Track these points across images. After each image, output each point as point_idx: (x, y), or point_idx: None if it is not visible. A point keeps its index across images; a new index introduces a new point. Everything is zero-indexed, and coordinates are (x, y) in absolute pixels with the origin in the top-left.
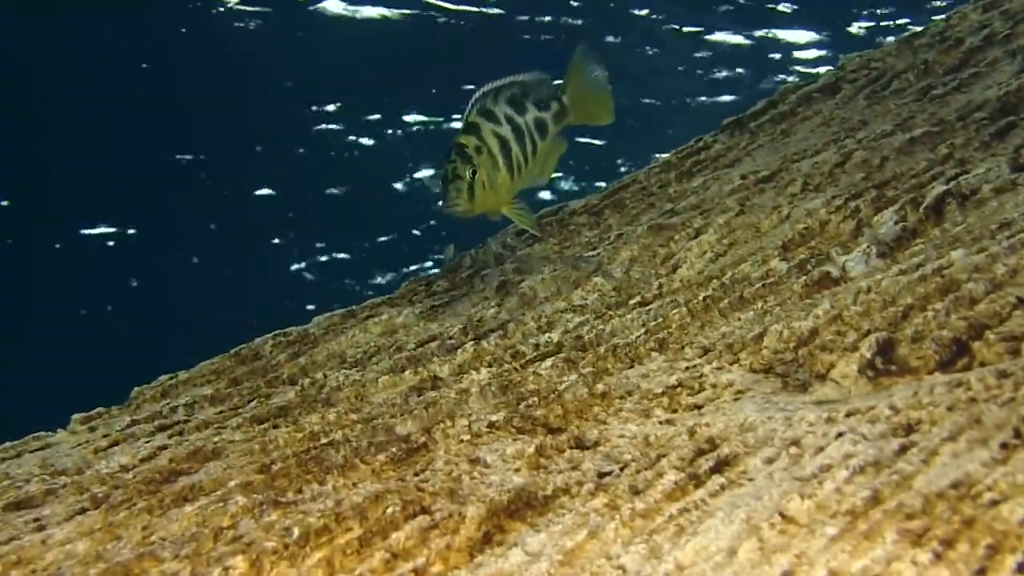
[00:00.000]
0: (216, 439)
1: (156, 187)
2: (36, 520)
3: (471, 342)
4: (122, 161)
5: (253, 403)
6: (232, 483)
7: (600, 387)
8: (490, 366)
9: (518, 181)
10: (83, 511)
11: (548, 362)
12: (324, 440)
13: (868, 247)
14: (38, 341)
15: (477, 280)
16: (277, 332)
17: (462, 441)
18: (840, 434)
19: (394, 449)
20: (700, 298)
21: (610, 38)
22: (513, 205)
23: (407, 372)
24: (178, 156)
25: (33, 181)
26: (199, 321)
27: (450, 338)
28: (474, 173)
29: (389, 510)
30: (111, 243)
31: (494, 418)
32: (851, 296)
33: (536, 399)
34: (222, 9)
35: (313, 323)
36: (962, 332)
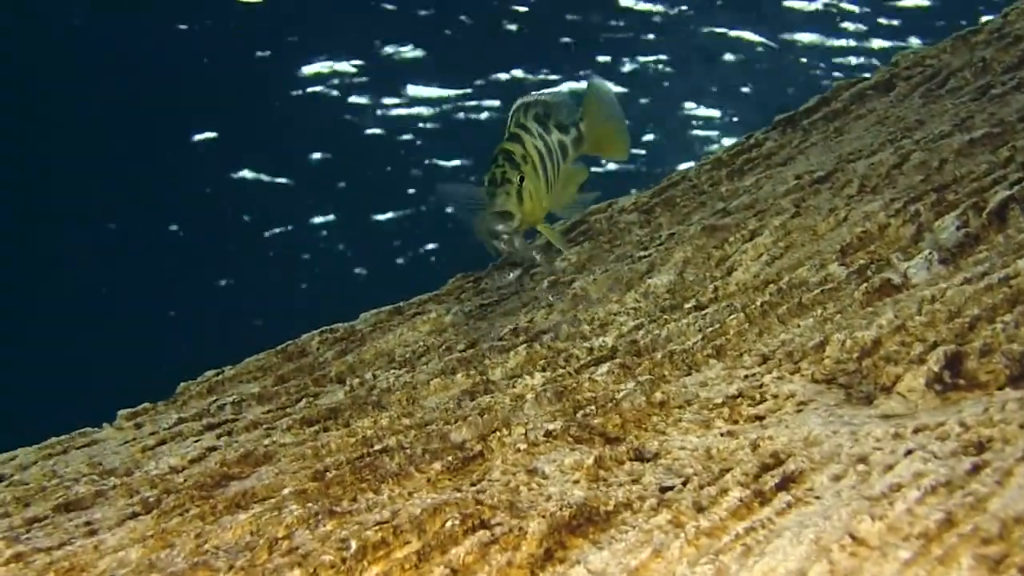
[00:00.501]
0: (267, 442)
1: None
2: (87, 524)
3: (523, 345)
4: (127, 160)
5: (302, 403)
6: (286, 490)
7: (658, 396)
8: (544, 370)
9: (548, 197)
10: (134, 515)
11: (603, 368)
12: (377, 446)
13: (930, 253)
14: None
15: (527, 278)
16: (324, 328)
17: (519, 450)
18: (909, 451)
19: (450, 457)
20: (757, 303)
21: None
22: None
23: (459, 375)
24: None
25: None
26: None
27: (501, 339)
28: (522, 179)
29: (448, 523)
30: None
31: (551, 427)
32: (915, 305)
33: (593, 407)
34: None
35: (360, 319)
36: None
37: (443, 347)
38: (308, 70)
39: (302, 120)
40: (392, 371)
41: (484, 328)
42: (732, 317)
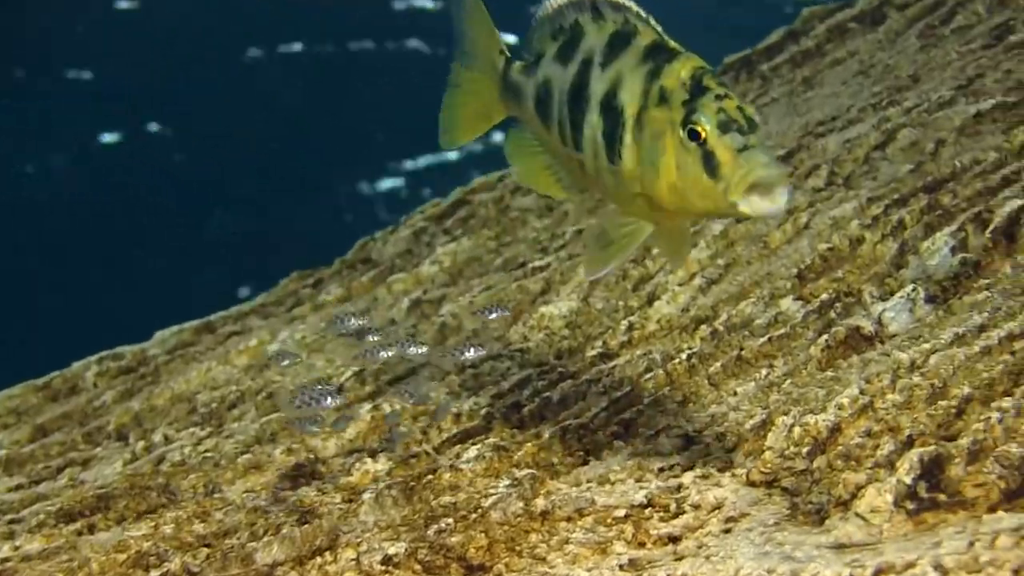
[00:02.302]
0: (5, 549)
1: None
2: None
3: (368, 403)
4: None
5: (63, 478)
6: None
7: (540, 502)
8: (392, 448)
9: None
10: None
11: (472, 451)
12: (155, 571)
13: (914, 289)
14: None
15: (383, 290)
16: (104, 354)
17: None
18: None
19: None
20: (684, 356)
21: None
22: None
23: (279, 449)
24: None
25: None
26: None
27: (340, 389)
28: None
29: None
30: None
31: (392, 550)
32: (889, 374)
33: (451, 519)
34: None
35: (155, 340)
36: None
37: (262, 393)
38: None
39: None
40: (191, 430)
41: (320, 366)
42: (649, 376)
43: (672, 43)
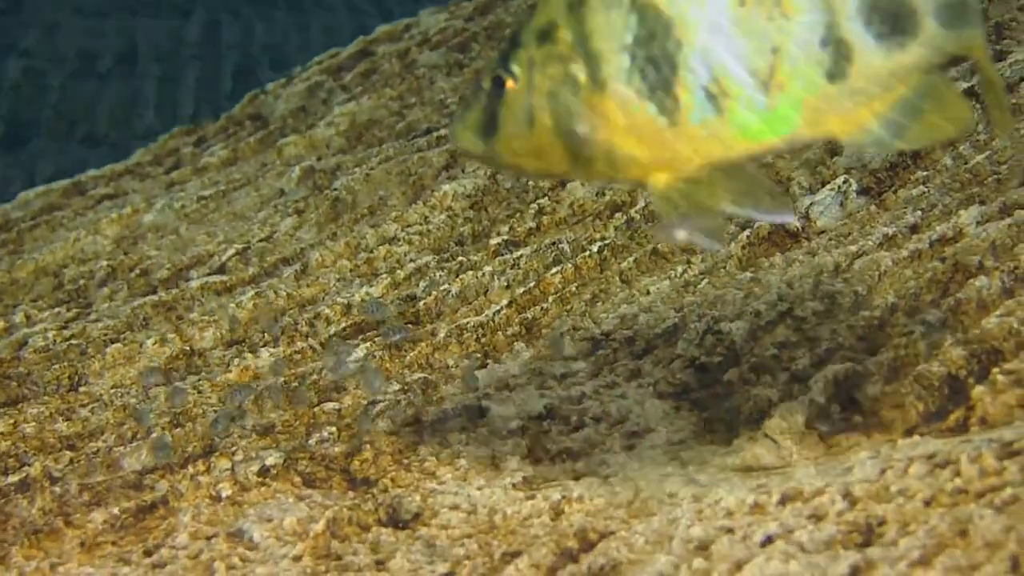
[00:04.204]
0: None
1: None
2: None
3: (251, 287)
4: None
5: None
6: None
7: (433, 411)
8: (275, 342)
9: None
10: None
11: (361, 350)
12: (14, 476)
13: (846, 181)
14: None
15: (272, 154)
16: None
17: (219, 498)
18: (768, 540)
19: (115, 509)
20: (595, 248)
21: None
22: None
23: (151, 339)
24: None
25: None
26: None
27: (222, 268)
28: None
29: None
30: None
31: (271, 460)
32: (811, 278)
33: (336, 428)
34: None
35: (19, 201)
36: (960, 367)
37: (135, 269)
38: None
39: None
40: (56, 310)
41: (201, 241)
42: (557, 270)
43: None
